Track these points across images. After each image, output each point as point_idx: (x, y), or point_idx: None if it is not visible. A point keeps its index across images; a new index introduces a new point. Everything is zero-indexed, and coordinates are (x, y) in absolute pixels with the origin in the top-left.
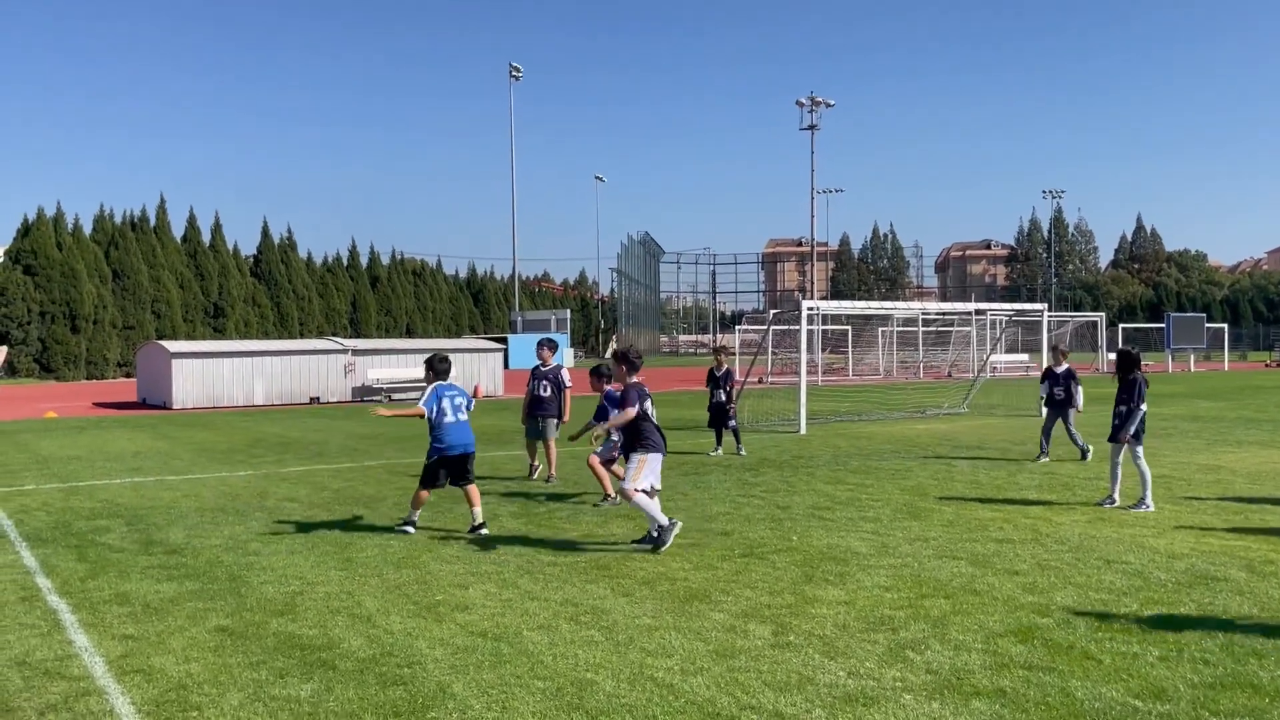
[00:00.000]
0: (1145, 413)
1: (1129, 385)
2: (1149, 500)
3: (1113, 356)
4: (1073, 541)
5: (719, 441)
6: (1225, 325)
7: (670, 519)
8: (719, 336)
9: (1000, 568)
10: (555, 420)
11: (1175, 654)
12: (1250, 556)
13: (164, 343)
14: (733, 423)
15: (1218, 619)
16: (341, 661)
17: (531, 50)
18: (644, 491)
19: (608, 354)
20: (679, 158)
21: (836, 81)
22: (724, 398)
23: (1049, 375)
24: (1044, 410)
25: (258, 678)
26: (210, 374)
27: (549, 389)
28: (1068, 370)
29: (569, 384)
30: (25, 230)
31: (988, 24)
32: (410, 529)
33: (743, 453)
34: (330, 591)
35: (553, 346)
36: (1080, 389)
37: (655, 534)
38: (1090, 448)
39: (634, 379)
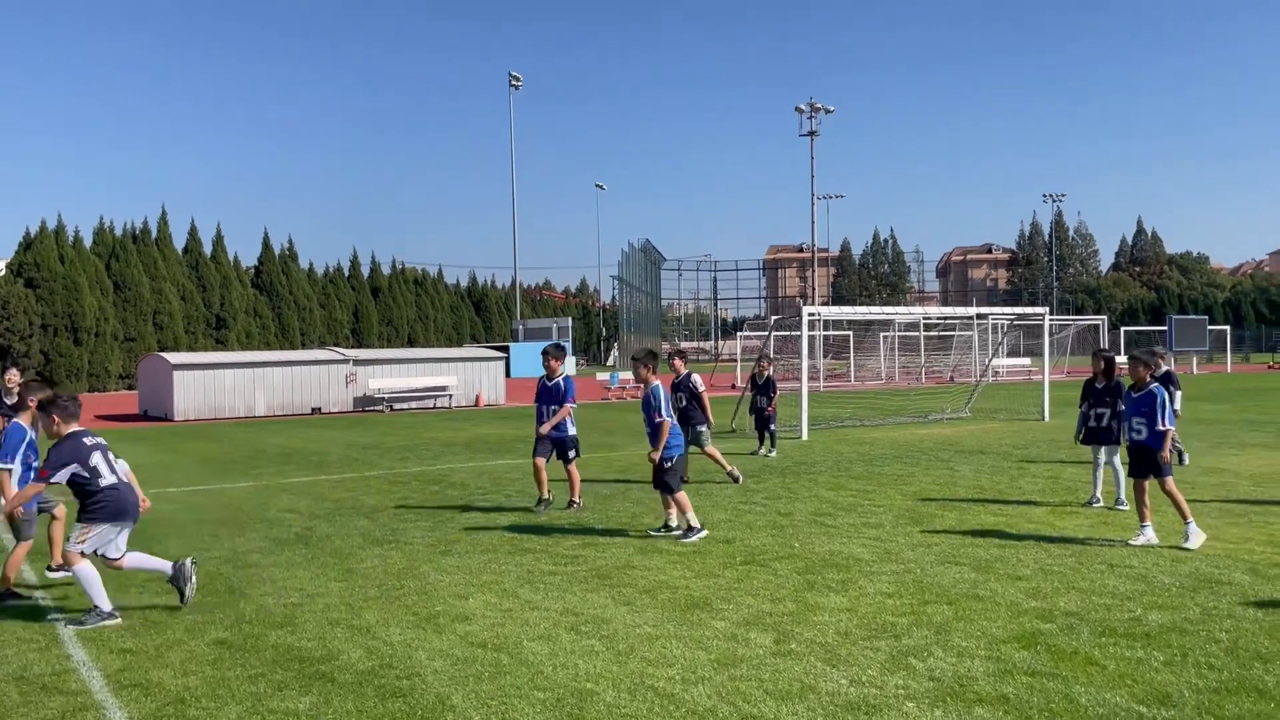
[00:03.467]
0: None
1: (1114, 389)
2: (1123, 498)
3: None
4: (1076, 546)
5: (761, 442)
6: (1227, 327)
7: (108, 610)
8: (763, 344)
9: (1003, 573)
10: (705, 427)
11: (1179, 659)
12: (1254, 559)
13: (165, 354)
14: (773, 426)
15: (1222, 623)
16: (340, 674)
17: (531, 59)
18: (107, 557)
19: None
20: (679, 165)
21: (836, 87)
22: (766, 403)
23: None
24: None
25: (256, 690)
26: (211, 385)
27: (684, 399)
28: (1165, 374)
29: (703, 388)
30: (27, 243)
31: (987, 29)
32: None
33: (773, 454)
34: (330, 603)
35: (684, 356)
36: (1179, 393)
37: (86, 613)
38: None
39: (71, 427)
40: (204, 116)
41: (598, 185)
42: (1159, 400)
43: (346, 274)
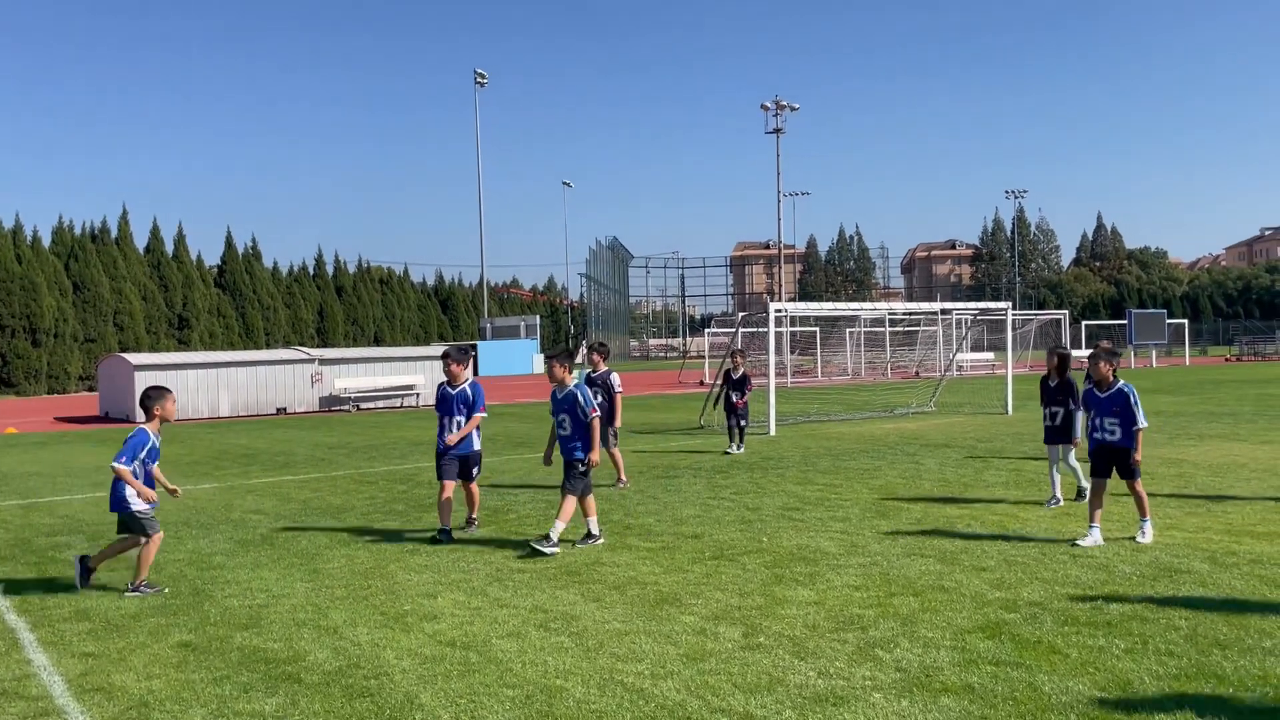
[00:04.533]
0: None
1: (1066, 386)
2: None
3: (1082, 354)
4: (1039, 537)
5: (732, 439)
6: (1186, 321)
7: None
8: (735, 339)
9: (968, 564)
10: (611, 427)
11: (1140, 646)
12: (1212, 548)
13: (126, 355)
14: (744, 423)
15: (1181, 611)
16: (307, 674)
17: (496, 56)
18: None
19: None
20: (646, 163)
21: (801, 85)
22: (738, 398)
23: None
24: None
25: (221, 693)
26: (174, 386)
27: (599, 395)
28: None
29: (620, 388)
30: None
31: (949, 26)
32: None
33: (741, 450)
34: (296, 604)
35: (604, 352)
36: None
37: None
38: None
39: None
40: (165, 114)
41: (565, 183)
42: (1132, 399)
43: (311, 273)
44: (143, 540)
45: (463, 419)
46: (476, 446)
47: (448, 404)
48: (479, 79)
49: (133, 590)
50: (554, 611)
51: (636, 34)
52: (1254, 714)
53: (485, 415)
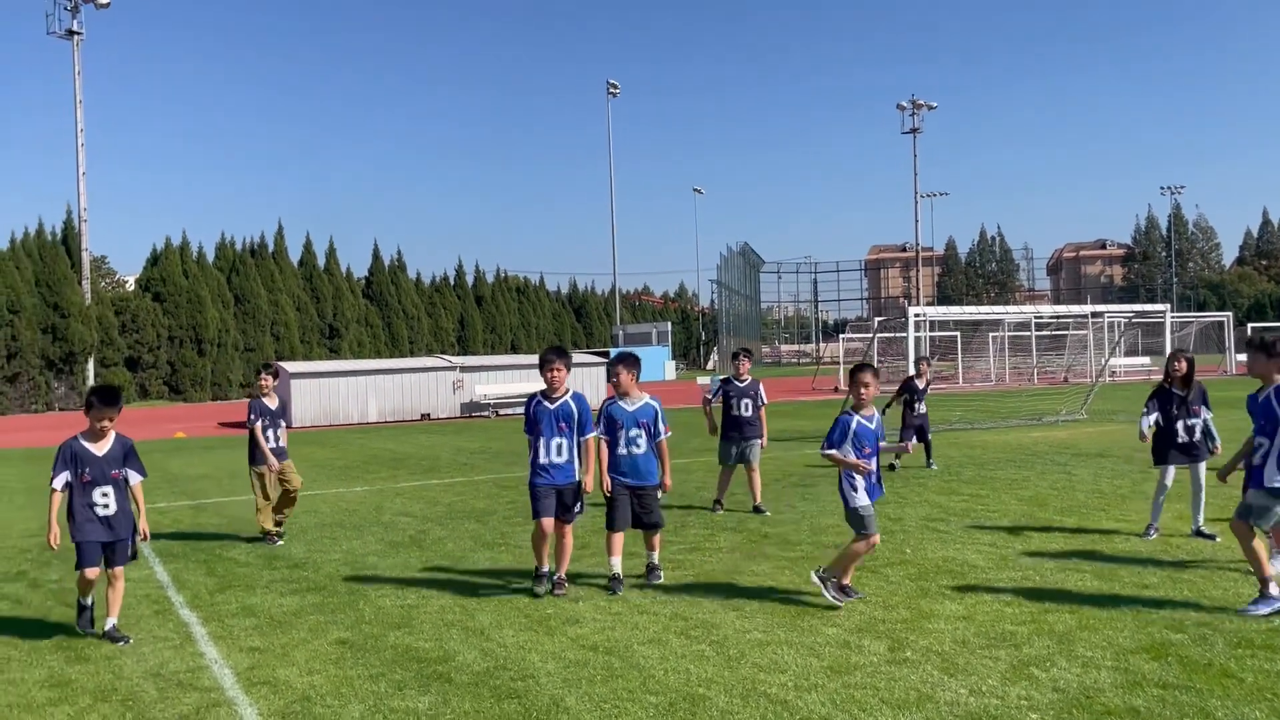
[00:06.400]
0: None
1: (1199, 394)
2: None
3: (1242, 358)
4: (1205, 553)
5: (929, 455)
6: None
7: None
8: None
9: (1128, 581)
10: (759, 442)
11: None
12: None
13: (283, 363)
14: (929, 434)
15: None
16: (457, 674)
17: (628, 65)
18: None
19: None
20: (777, 167)
21: (938, 83)
22: (924, 409)
23: None
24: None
25: (377, 690)
26: (327, 393)
27: (749, 407)
28: None
29: (765, 400)
30: (154, 260)
31: (1096, 18)
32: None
33: (933, 466)
34: (444, 605)
35: (751, 358)
36: None
37: None
38: None
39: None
40: (318, 133)
41: (695, 190)
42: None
43: (452, 283)
44: (858, 536)
45: (563, 440)
46: (579, 475)
47: (547, 420)
48: (611, 89)
49: (818, 579)
50: (694, 619)
51: (766, 36)
52: None
53: (597, 434)
